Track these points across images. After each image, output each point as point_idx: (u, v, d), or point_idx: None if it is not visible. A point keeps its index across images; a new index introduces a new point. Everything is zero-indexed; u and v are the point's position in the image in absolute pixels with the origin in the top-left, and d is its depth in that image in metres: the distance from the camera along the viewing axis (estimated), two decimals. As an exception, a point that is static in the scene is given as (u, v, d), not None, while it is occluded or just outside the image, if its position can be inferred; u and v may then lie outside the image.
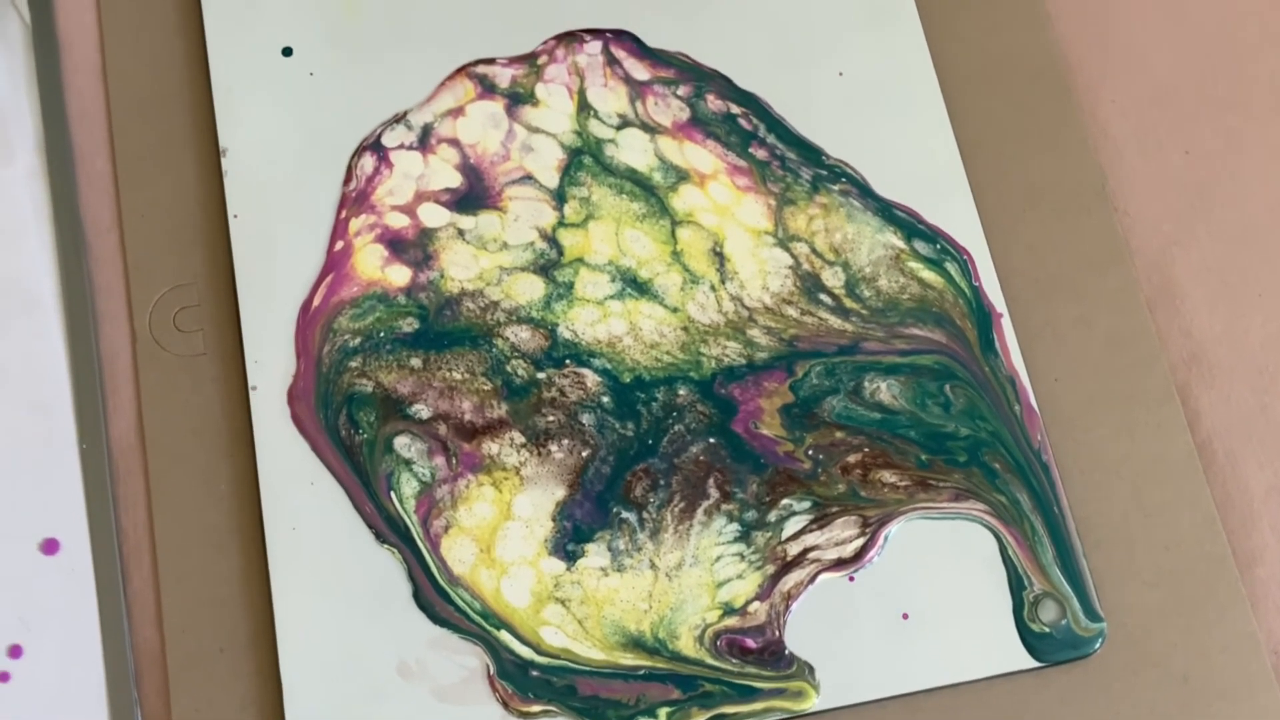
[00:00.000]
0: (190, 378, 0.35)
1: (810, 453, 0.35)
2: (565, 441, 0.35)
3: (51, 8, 0.38)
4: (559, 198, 0.38)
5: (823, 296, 0.37)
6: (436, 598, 0.33)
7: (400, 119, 0.38)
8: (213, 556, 0.34)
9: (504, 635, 0.33)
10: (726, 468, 0.35)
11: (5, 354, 0.34)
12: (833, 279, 0.37)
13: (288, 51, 0.38)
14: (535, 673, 0.33)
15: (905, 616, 0.34)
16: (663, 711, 0.33)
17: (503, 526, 0.34)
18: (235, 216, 0.36)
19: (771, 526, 0.35)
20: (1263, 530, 0.36)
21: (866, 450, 0.36)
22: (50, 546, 0.33)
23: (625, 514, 0.35)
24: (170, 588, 0.33)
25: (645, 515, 0.35)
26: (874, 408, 0.36)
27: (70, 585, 0.33)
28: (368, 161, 0.37)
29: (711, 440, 0.35)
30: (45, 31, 0.37)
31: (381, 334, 0.36)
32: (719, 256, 0.37)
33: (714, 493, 0.35)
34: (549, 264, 0.37)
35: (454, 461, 0.35)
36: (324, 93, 0.38)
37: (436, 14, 0.39)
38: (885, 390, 0.36)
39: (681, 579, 0.34)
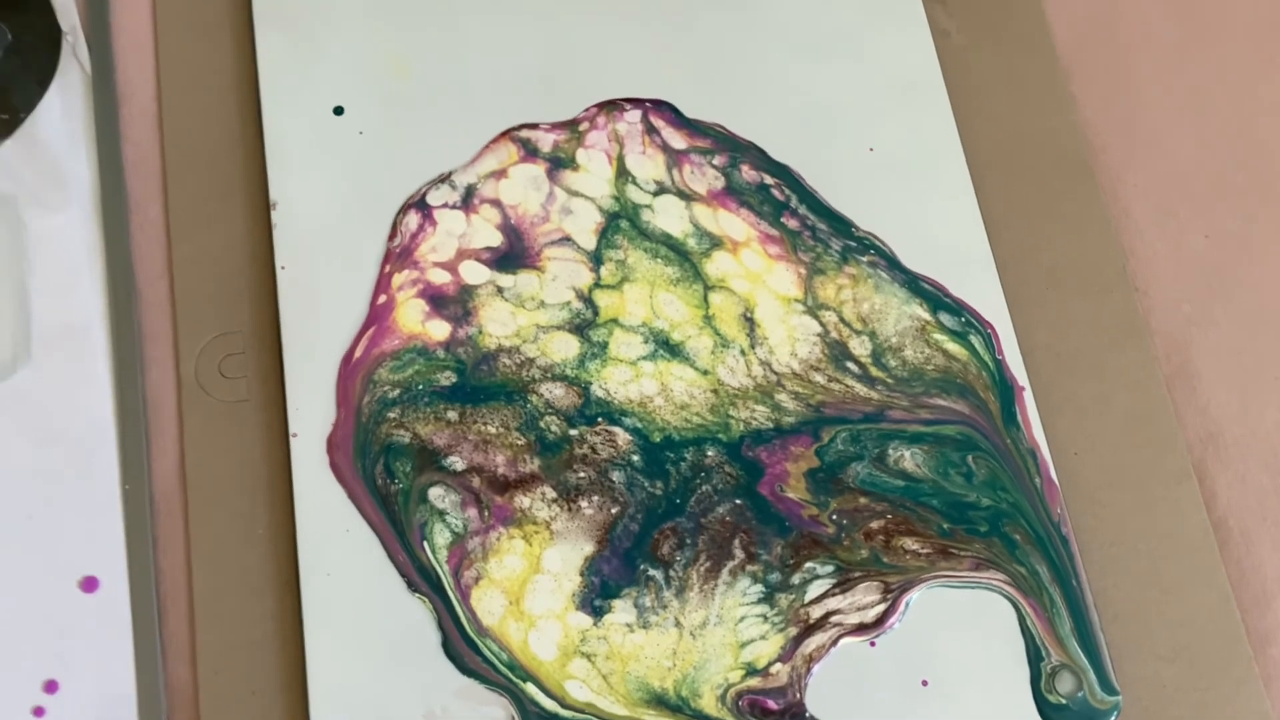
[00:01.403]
0: (233, 423, 0.36)
1: (834, 517, 0.36)
2: (595, 498, 0.36)
3: (111, 59, 0.39)
4: (596, 260, 0.39)
5: (850, 364, 0.38)
6: (465, 648, 0.34)
7: (445, 179, 0.39)
8: (248, 599, 0.34)
9: (530, 688, 0.34)
10: (752, 529, 0.36)
11: (53, 394, 0.35)
12: (860, 348, 0.38)
13: (339, 110, 0.39)
14: (559, 726, 0.34)
15: (925, 683, 0.35)
16: (683, 769, 0.34)
17: (532, 580, 0.35)
18: (283, 268, 0.37)
19: (795, 589, 0.35)
20: (1276, 610, 0.37)
21: (889, 517, 0.36)
22: (90, 584, 0.34)
23: (652, 571, 0.35)
24: (206, 628, 0.34)
25: (671, 573, 0.35)
26: (898, 475, 0.37)
27: (107, 623, 0.33)
28: (412, 219, 0.38)
29: (738, 502, 0.36)
30: (105, 82, 0.39)
31: (420, 386, 0.37)
32: (750, 322, 0.38)
33: (739, 553, 0.36)
34: (584, 324, 0.38)
35: (486, 514, 0.35)
36: (372, 151, 0.39)
37: (482, 78, 0.40)
38: (909, 458, 0.37)
39: (705, 638, 0.35)
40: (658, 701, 0.34)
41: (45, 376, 0.35)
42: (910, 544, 0.36)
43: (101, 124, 0.38)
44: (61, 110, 0.38)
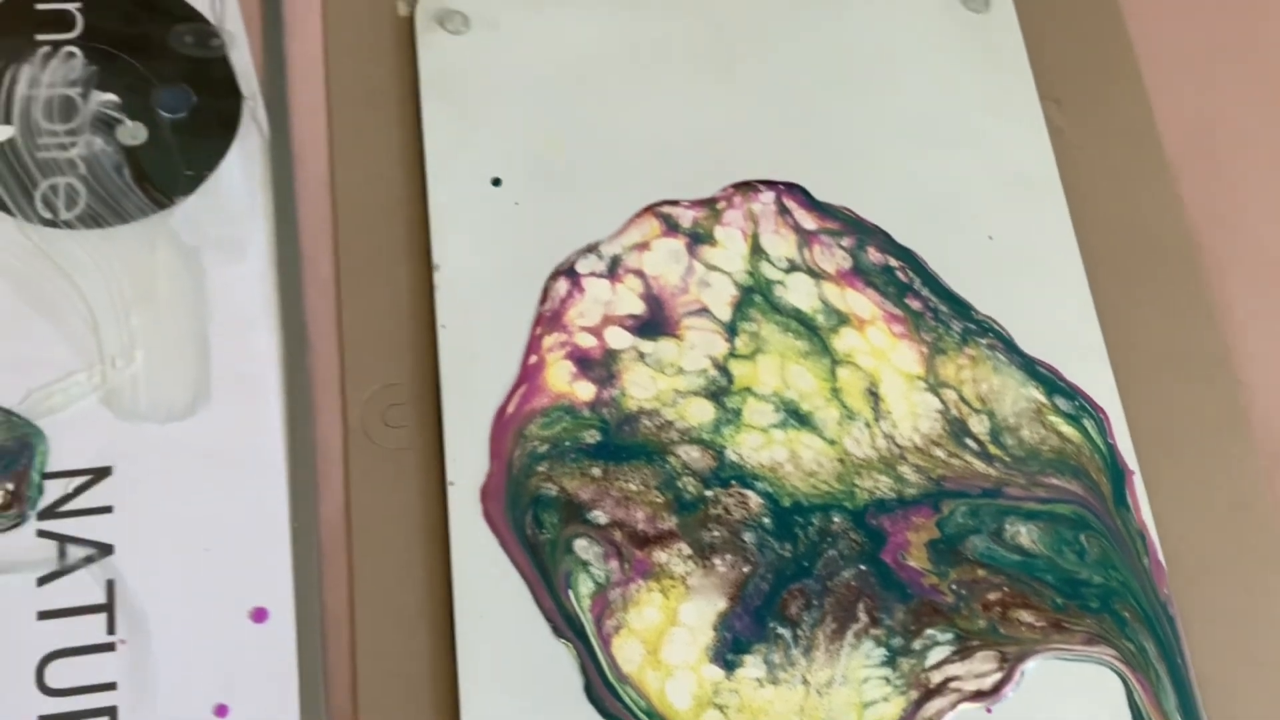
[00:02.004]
0: (394, 469, 0.38)
1: (954, 587, 0.38)
2: (728, 556, 0.38)
3: (288, 125, 0.42)
4: (731, 330, 0.41)
5: (969, 441, 0.40)
6: (606, 693, 0.36)
7: (592, 249, 0.42)
8: (405, 636, 0.36)
9: (666, 734, 0.36)
10: (875, 594, 0.38)
11: (229, 434, 0.38)
12: (978, 426, 0.40)
13: (497, 181, 0.42)
14: (692, 772, 0.36)
15: (1039, 750, 0.36)
16: (808, 820, 0.35)
17: (669, 631, 0.37)
18: (444, 326, 0.40)
19: (916, 654, 0.37)
20: (1372, 696, 0.39)
21: (1006, 589, 0.38)
22: (260, 615, 0.36)
23: (781, 630, 0.37)
24: (366, 662, 0.36)
25: (799, 632, 0.37)
26: (1014, 550, 0.39)
27: (274, 652, 0.36)
28: (561, 285, 0.41)
29: (862, 567, 0.38)
30: (281, 146, 0.42)
31: (567, 443, 0.39)
32: (874, 396, 0.41)
33: (863, 617, 0.38)
34: (719, 391, 0.40)
35: (626, 566, 0.38)
36: (526, 220, 0.42)
37: (628, 156, 0.43)
38: (1025, 534, 0.39)
39: (831, 696, 0.37)
40: (785, 754, 0.36)
41: (222, 418, 0.38)
42: (1026, 616, 0.38)
43: (278, 184, 0.41)
44: (241, 170, 0.41)
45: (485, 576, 0.37)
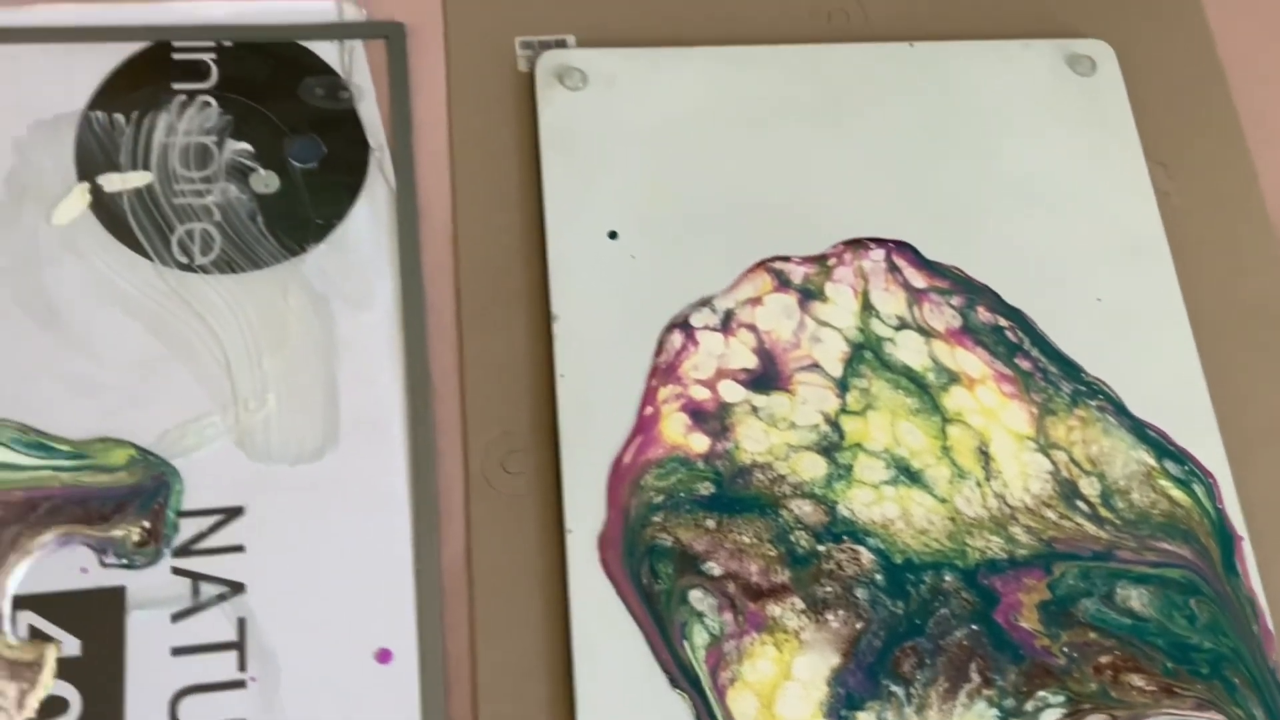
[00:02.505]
0: (514, 515, 0.39)
1: (1065, 649, 0.38)
2: (841, 612, 0.38)
3: (413, 177, 0.43)
4: (842, 386, 0.42)
5: (1079, 503, 0.40)
6: (722, 745, 0.37)
7: (706, 303, 0.42)
8: (525, 681, 0.37)
9: (780, 787, 0.36)
10: (987, 655, 0.38)
11: (356, 478, 0.39)
12: (1089, 488, 0.41)
13: (613, 235, 0.43)
14: (805, 826, 0.36)
15: (1152, 816, 0.36)
16: None
17: (782, 686, 0.37)
18: (562, 376, 0.41)
19: (1028, 716, 0.37)
20: None
21: (1117, 653, 0.38)
22: (384, 656, 0.37)
23: (894, 688, 0.38)
24: (487, 705, 0.37)
25: (912, 691, 0.38)
26: (1125, 614, 0.39)
27: (398, 694, 0.37)
28: (676, 338, 0.42)
29: (974, 627, 0.38)
30: (407, 199, 0.43)
31: (681, 494, 0.40)
32: (984, 455, 0.41)
33: (975, 677, 0.38)
34: (831, 446, 0.41)
35: (740, 619, 0.38)
36: (641, 273, 0.43)
37: (741, 212, 0.44)
38: (1136, 598, 0.39)
39: (944, 754, 0.37)
40: (898, 811, 0.36)
41: (350, 461, 0.39)
42: (1137, 680, 0.38)
43: (403, 235, 0.42)
44: (369, 220, 0.43)
45: (603, 624, 0.38)
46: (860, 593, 0.39)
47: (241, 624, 0.37)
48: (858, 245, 0.44)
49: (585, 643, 0.37)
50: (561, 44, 0.46)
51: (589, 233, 0.43)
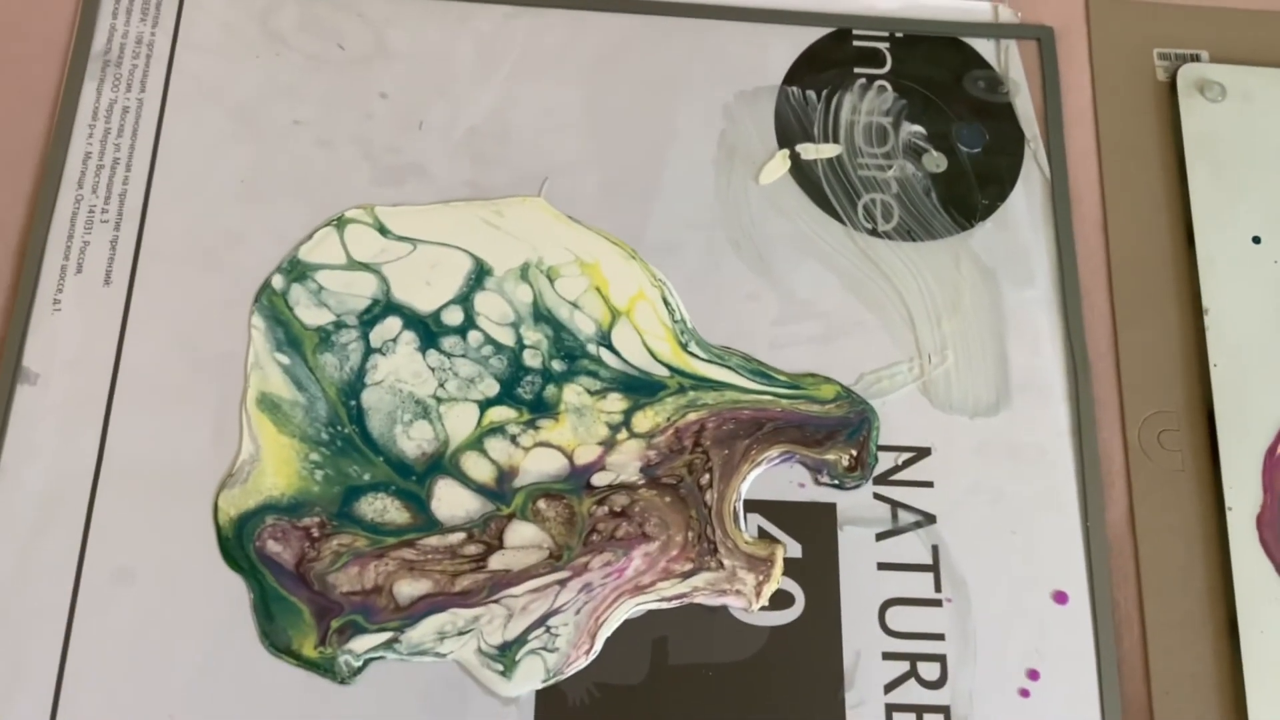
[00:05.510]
0: (1170, 488, 0.43)
1: None
2: None
3: (1065, 168, 0.47)
4: None
5: None
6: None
7: (1347, 313, 0.45)
8: (1191, 637, 0.41)
9: None
10: None
11: (1028, 437, 0.43)
12: None
13: (1256, 239, 0.46)
14: None
15: None
16: None
17: None
18: (1215, 365, 0.44)
19: None
20: None
21: None
22: (1060, 598, 0.41)
23: None
24: (1156, 655, 0.40)
25: None
26: None
27: (1074, 634, 0.41)
28: (1319, 342, 0.44)
29: None
30: (1060, 186, 0.47)
31: (1330, 489, 0.42)
32: None
33: None
34: None
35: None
36: (1283, 279, 0.45)
37: None
38: None
39: None
40: None
41: (1020, 419, 0.43)
42: None
43: (1058, 221, 0.46)
44: (1025, 204, 0.47)
45: (1262, 598, 0.41)
46: None
47: (935, 550, 0.42)
48: None
49: (1248, 610, 0.41)
50: (1196, 58, 0.49)
51: (1233, 235, 0.46)
